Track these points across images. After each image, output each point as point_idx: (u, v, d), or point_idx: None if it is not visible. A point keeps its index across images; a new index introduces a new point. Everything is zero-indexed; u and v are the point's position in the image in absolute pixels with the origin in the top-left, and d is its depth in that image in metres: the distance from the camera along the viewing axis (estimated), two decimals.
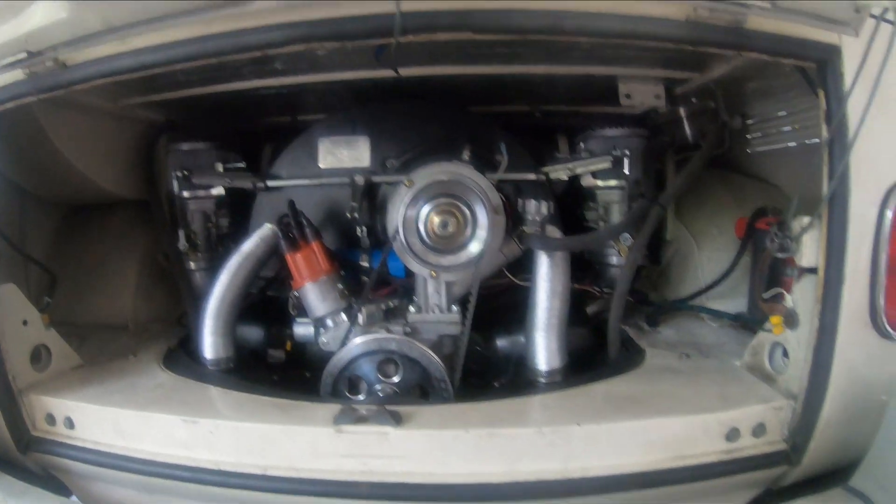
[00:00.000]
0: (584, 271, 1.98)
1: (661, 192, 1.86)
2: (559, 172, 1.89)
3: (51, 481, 1.56)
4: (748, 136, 2.04)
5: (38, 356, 1.62)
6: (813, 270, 1.40)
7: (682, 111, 1.98)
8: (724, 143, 2.08)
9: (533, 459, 1.31)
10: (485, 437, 1.31)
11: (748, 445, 1.41)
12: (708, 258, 2.06)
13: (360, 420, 1.34)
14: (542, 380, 1.64)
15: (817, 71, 1.34)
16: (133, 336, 2.03)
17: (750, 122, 2.01)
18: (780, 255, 1.48)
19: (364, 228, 1.83)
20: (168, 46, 1.28)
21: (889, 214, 1.34)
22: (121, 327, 2.10)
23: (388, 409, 1.37)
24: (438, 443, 1.32)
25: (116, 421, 1.46)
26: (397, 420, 1.34)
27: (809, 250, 1.41)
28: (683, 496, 1.41)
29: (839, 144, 1.30)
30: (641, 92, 1.92)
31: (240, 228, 2.06)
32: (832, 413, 1.37)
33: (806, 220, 1.39)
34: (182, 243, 1.97)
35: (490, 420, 1.36)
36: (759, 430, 1.41)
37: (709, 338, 1.87)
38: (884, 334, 1.37)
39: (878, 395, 1.36)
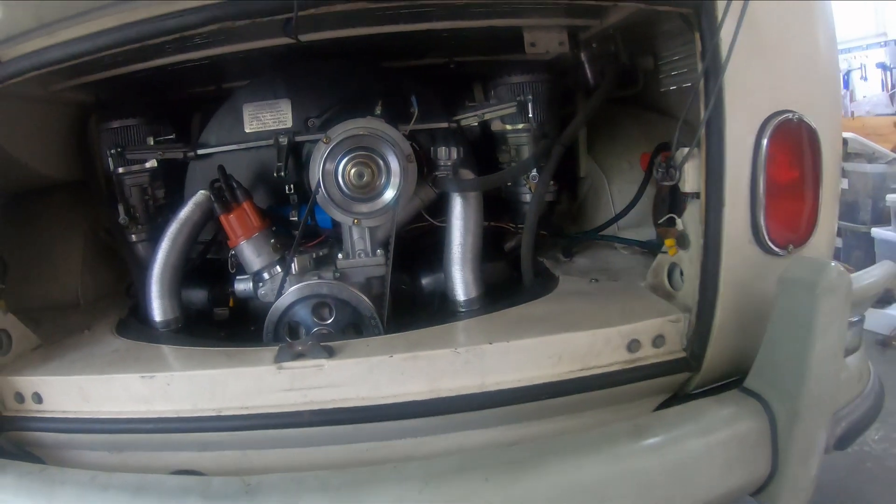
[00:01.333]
0: (502, 211, 2.18)
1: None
2: (469, 120, 2.07)
3: (26, 458, 1.66)
4: (660, 76, 2.18)
5: (0, 342, 1.72)
6: (697, 195, 1.58)
7: (583, 56, 2.14)
8: (638, 84, 2.24)
9: (452, 377, 1.51)
10: (408, 360, 1.51)
11: (650, 355, 1.61)
12: (619, 191, 2.26)
13: (298, 356, 1.53)
14: (461, 309, 1.85)
15: (694, 15, 1.50)
16: (84, 312, 2.15)
17: (661, 62, 2.15)
18: (666, 184, 1.67)
19: (291, 185, 1.99)
20: (95, 35, 1.42)
21: (765, 142, 1.50)
22: (71, 306, 2.22)
23: (322, 343, 1.55)
24: (367, 369, 1.51)
25: (80, 387, 1.60)
26: (330, 353, 1.53)
27: (691, 177, 1.58)
28: (594, 403, 1.62)
29: (713, 78, 1.47)
30: (545, 40, 2.07)
31: (175, 197, 2.20)
32: (724, 322, 1.56)
33: (685, 150, 1.57)
34: (122, 217, 2.10)
35: (412, 345, 1.55)
36: (658, 340, 1.61)
37: (619, 264, 2.08)
38: (767, 250, 1.55)
39: (766, 304, 1.51)
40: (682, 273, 1.70)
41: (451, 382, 1.52)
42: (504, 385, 1.52)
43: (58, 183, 2.26)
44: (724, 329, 1.57)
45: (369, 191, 1.80)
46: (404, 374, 1.51)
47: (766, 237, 1.54)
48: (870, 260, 4.59)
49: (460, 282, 1.84)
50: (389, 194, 1.80)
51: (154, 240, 2.04)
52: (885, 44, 6.47)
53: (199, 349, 1.73)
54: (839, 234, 4.93)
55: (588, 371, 1.56)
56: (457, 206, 1.86)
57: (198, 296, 2.09)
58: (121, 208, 2.10)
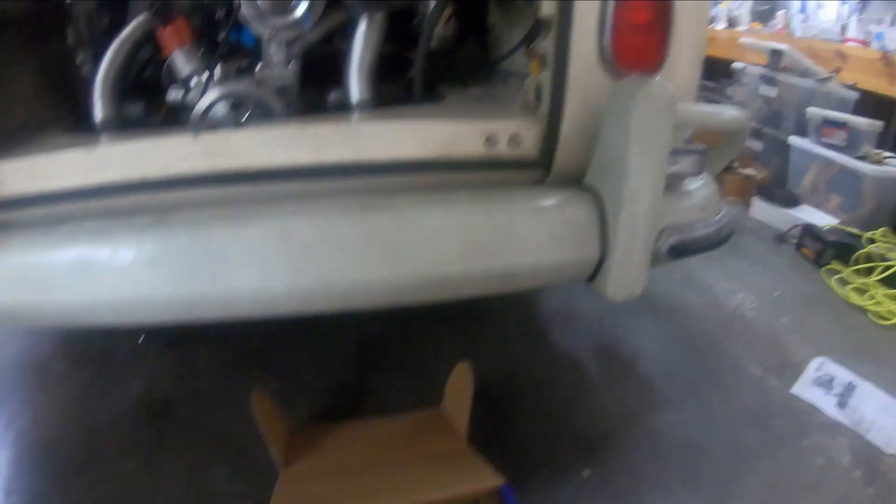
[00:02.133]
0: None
1: None
2: None
3: None
4: None
5: None
6: (551, 22, 1.89)
7: None
8: None
9: (333, 149, 1.91)
10: (297, 133, 1.92)
11: (505, 151, 1.97)
12: (519, 37, 2.63)
13: (210, 127, 1.94)
14: (354, 107, 2.27)
15: None
16: (33, 129, 2.45)
17: None
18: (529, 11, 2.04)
19: (222, 10, 2.38)
20: None
21: None
22: (24, 127, 2.50)
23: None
24: (265, 139, 1.92)
25: (30, 169, 1.94)
26: (237, 125, 1.96)
27: (547, 5, 1.90)
28: (457, 184, 1.95)
29: None
30: None
31: (119, 24, 2.51)
32: (570, 130, 1.89)
33: None
34: (70, 40, 2.50)
35: (303, 124, 1.96)
36: (514, 139, 1.96)
37: (507, 92, 2.46)
38: (613, 74, 1.82)
39: None
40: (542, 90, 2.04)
41: (333, 153, 1.92)
42: (376, 158, 1.94)
43: (10, 18, 2.52)
44: (571, 137, 1.88)
45: (283, 6, 2.20)
46: (295, 144, 1.93)
47: (612, 62, 1.82)
48: (785, 165, 5.10)
49: (355, 85, 2.27)
50: (301, 8, 2.21)
51: (98, 61, 2.38)
52: None
53: (132, 132, 2.13)
54: (761, 138, 5.43)
55: (450, 156, 1.96)
56: (362, 26, 2.26)
57: (136, 108, 2.49)
58: (70, 32, 2.50)
